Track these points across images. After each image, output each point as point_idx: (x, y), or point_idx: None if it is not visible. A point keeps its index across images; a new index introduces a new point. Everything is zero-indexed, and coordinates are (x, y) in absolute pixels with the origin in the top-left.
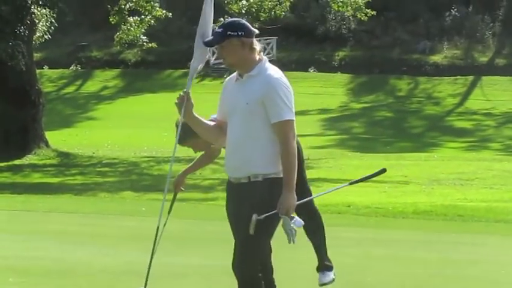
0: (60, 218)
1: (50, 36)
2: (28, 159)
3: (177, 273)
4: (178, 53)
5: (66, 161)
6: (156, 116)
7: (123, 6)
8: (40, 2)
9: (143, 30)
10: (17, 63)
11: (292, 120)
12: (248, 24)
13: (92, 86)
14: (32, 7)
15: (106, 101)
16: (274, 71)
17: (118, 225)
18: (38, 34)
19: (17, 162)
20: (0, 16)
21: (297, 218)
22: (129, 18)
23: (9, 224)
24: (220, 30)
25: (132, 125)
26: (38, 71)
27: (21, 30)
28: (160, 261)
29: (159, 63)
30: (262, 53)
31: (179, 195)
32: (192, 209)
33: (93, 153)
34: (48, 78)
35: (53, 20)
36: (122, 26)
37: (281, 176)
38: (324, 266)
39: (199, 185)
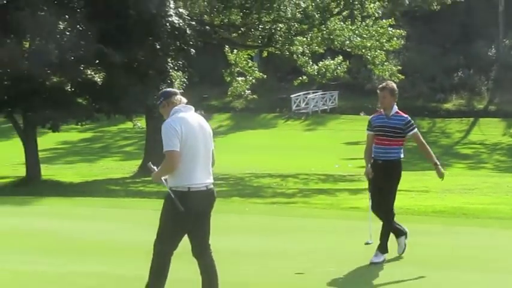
0: None
1: (182, 91)
2: None
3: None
4: (270, 102)
5: None
6: (255, 145)
7: (233, 70)
8: (176, 68)
9: (247, 86)
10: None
11: (168, 151)
12: (166, 90)
13: (212, 125)
14: (170, 71)
15: (220, 136)
16: (169, 118)
17: (227, 220)
18: None
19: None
20: (149, 78)
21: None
22: (237, 78)
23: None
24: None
25: (239, 152)
26: None
27: (162, 87)
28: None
29: (257, 109)
30: (181, 102)
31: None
32: (279, 210)
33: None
34: None
35: (185, 80)
36: (233, 83)
37: (179, 189)
38: (380, 249)
39: (284, 193)
